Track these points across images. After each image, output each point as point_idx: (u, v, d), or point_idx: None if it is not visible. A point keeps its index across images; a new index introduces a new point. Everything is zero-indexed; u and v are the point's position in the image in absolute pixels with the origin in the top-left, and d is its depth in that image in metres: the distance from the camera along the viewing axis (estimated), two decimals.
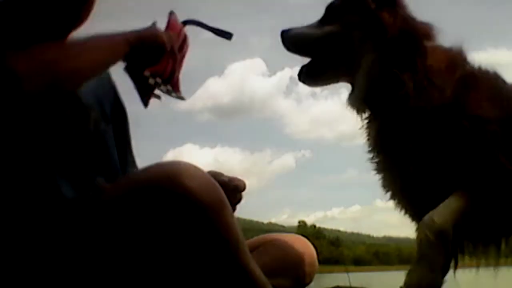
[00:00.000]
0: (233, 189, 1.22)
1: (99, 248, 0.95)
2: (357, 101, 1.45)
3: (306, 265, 1.47)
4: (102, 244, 0.95)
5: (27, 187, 1.00)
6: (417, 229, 1.34)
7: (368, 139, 1.47)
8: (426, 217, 1.29)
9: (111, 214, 0.96)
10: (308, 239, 1.60)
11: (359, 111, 1.47)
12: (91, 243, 0.95)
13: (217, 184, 0.98)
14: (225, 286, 0.98)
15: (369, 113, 1.45)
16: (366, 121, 1.47)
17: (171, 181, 0.92)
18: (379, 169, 1.46)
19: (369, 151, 1.47)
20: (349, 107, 1.48)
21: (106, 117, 1.22)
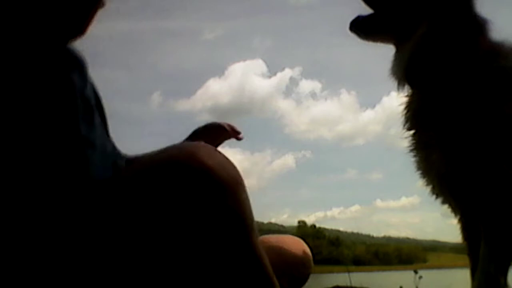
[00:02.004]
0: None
1: (118, 226, 0.96)
2: (400, 74, 1.44)
3: (301, 266, 1.47)
4: (121, 221, 0.96)
5: (58, 165, 1.01)
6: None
7: (406, 116, 1.46)
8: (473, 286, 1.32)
9: (130, 192, 0.97)
10: (305, 240, 1.59)
11: (400, 83, 1.46)
12: (111, 222, 0.96)
13: (234, 164, 0.99)
14: (236, 264, 0.99)
15: (410, 89, 1.45)
16: (405, 97, 1.47)
17: (189, 159, 0.94)
18: (414, 148, 1.45)
19: (406, 128, 1.46)
20: (391, 77, 1.48)
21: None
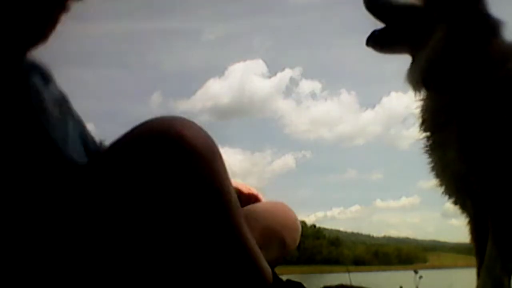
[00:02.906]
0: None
1: (103, 203, 0.98)
2: (416, 77, 1.46)
3: (289, 231, 1.46)
4: (104, 197, 0.98)
5: (40, 152, 1.04)
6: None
7: (422, 118, 1.48)
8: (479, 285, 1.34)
9: (111, 165, 0.99)
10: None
11: (416, 88, 1.48)
12: (95, 200, 0.98)
13: (210, 135, 1.01)
14: (217, 245, 0.99)
15: (425, 92, 1.47)
16: (421, 100, 1.49)
17: (167, 130, 0.96)
18: (429, 150, 1.47)
19: (422, 130, 1.48)
20: (407, 82, 1.50)
21: None
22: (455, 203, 1.49)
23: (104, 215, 0.98)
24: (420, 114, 1.49)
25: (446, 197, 1.50)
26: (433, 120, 1.45)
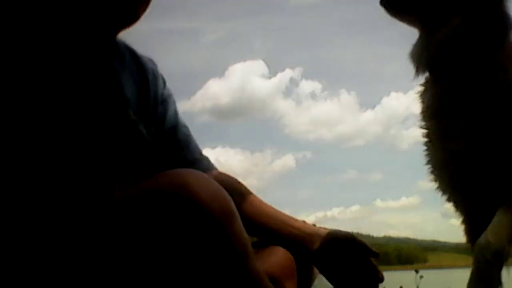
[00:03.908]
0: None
1: (104, 253, 0.94)
2: (424, 59, 1.44)
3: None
4: (107, 249, 0.95)
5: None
6: (474, 250, 1.35)
7: (423, 103, 1.47)
8: (482, 239, 1.32)
9: (118, 220, 0.95)
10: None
11: (419, 69, 1.46)
12: (97, 247, 0.95)
13: (227, 194, 0.96)
14: None
15: (429, 76, 1.45)
16: (423, 85, 1.47)
17: (180, 190, 0.91)
18: (428, 137, 1.46)
19: (422, 117, 1.47)
20: (410, 59, 1.48)
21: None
22: (449, 200, 1.48)
23: (115, 276, 0.95)
24: (421, 100, 1.47)
25: (443, 194, 1.49)
26: (438, 107, 1.42)
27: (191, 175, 0.95)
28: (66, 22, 1.07)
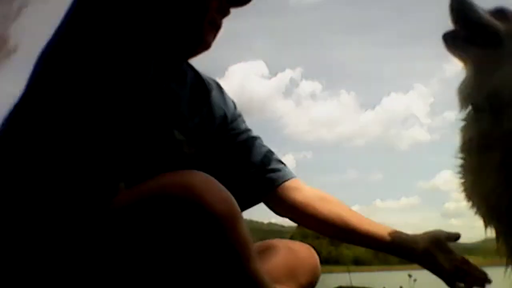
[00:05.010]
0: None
1: (105, 254, 0.95)
2: (472, 98, 1.45)
3: (306, 273, 1.47)
4: (109, 250, 0.95)
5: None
6: None
7: (463, 137, 1.48)
8: None
9: (120, 221, 0.95)
10: (305, 240, 1.60)
11: (464, 105, 1.48)
12: (98, 249, 0.95)
13: (230, 195, 0.97)
14: None
15: (471, 110, 1.46)
16: (464, 119, 1.48)
17: (184, 191, 0.92)
18: (466, 172, 1.46)
19: (461, 151, 1.47)
20: (458, 95, 1.50)
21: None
22: (487, 224, 1.46)
23: (118, 278, 0.95)
24: (462, 135, 1.48)
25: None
26: (475, 142, 1.43)
27: (195, 176, 0.96)
28: (144, 48, 1.05)
